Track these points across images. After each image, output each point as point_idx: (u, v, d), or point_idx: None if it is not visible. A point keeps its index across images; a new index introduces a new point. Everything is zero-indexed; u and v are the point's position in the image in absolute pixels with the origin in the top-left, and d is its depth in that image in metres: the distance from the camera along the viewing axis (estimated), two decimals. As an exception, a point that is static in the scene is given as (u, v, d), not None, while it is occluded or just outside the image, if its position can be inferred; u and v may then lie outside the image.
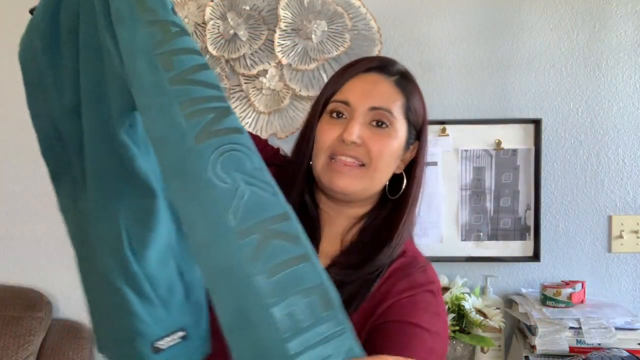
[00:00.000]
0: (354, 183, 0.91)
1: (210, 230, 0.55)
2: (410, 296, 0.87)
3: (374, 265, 0.90)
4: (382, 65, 0.94)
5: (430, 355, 0.82)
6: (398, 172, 0.97)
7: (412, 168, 0.97)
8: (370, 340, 0.84)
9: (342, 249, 0.95)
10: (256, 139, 1.06)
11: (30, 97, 0.74)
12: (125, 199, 0.70)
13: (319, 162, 0.93)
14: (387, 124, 0.90)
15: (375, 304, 0.88)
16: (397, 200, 0.96)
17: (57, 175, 0.75)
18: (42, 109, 0.72)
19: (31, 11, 0.72)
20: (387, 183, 0.97)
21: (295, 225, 0.57)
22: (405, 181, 0.97)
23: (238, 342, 0.53)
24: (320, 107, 0.95)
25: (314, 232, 0.96)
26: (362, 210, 0.98)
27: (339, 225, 0.98)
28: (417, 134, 0.97)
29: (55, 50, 0.70)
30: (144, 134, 0.69)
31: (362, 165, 0.91)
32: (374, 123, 0.90)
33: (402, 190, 0.96)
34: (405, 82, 0.95)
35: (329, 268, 0.90)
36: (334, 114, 0.93)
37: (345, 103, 0.91)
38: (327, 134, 0.92)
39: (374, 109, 0.90)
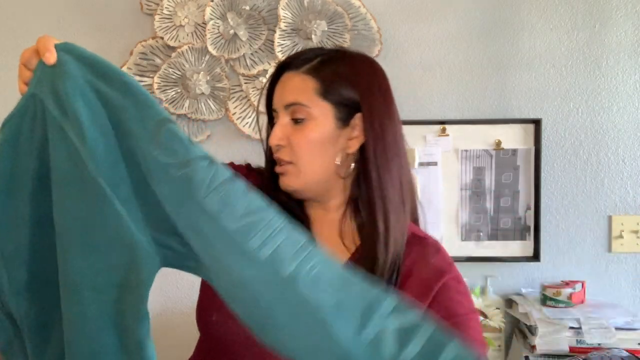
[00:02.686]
0: (292, 181, 0.93)
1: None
2: (441, 292, 0.91)
3: (384, 266, 0.90)
4: (290, 62, 0.96)
5: (481, 334, 0.92)
6: (351, 151, 0.93)
7: (367, 139, 0.93)
8: None
9: (345, 263, 0.94)
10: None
11: None
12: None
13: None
14: (302, 116, 0.92)
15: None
16: (362, 179, 0.94)
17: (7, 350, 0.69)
18: None
19: None
20: (354, 163, 0.94)
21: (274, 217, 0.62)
22: (358, 157, 0.94)
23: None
24: (269, 118, 1.00)
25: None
26: (336, 201, 0.97)
27: (332, 225, 0.97)
28: (354, 107, 0.93)
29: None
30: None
31: (291, 162, 0.93)
32: (294, 120, 0.93)
33: (353, 168, 0.94)
34: (320, 65, 0.94)
35: None
36: (272, 121, 0.97)
37: (274, 110, 0.96)
38: (269, 142, 0.96)
39: (287, 106, 0.92)
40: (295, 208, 0.97)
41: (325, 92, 0.92)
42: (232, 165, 1.03)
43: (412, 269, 0.92)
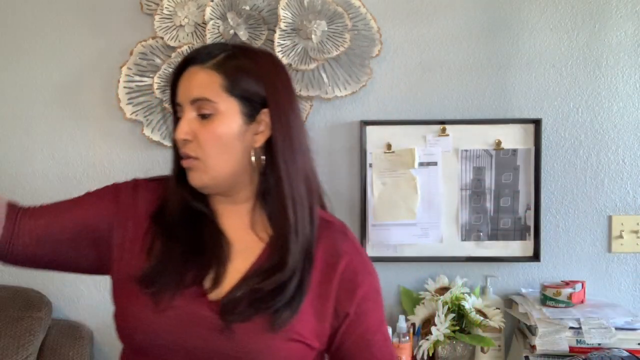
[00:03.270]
0: (199, 177, 0.94)
1: None
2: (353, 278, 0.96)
3: (296, 255, 0.92)
4: (194, 57, 0.95)
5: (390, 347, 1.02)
6: (257, 146, 0.95)
7: (275, 134, 0.94)
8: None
9: (262, 252, 0.96)
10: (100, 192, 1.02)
11: None
12: None
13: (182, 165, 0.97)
14: (209, 112, 0.92)
15: (323, 286, 0.95)
16: (270, 172, 0.95)
17: None
18: None
19: None
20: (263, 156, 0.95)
21: None
22: (265, 151, 0.95)
23: None
24: (173, 112, 0.99)
25: (218, 237, 0.96)
26: (244, 194, 0.98)
27: (242, 216, 0.98)
28: (259, 102, 0.94)
29: None
30: None
31: (198, 158, 0.93)
32: (200, 116, 0.93)
33: (264, 162, 0.96)
34: (225, 61, 0.94)
35: (266, 277, 0.91)
36: (177, 116, 0.97)
37: (178, 104, 0.96)
38: (174, 137, 0.96)
39: (193, 101, 0.92)
40: (200, 204, 0.98)
41: (231, 88, 0.93)
42: (116, 185, 1.02)
43: (324, 254, 0.96)
